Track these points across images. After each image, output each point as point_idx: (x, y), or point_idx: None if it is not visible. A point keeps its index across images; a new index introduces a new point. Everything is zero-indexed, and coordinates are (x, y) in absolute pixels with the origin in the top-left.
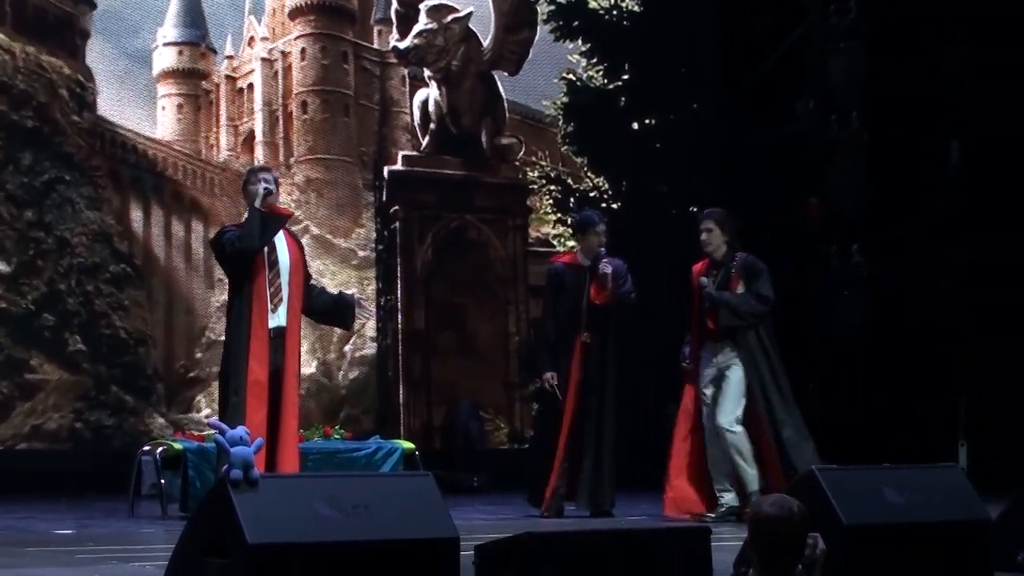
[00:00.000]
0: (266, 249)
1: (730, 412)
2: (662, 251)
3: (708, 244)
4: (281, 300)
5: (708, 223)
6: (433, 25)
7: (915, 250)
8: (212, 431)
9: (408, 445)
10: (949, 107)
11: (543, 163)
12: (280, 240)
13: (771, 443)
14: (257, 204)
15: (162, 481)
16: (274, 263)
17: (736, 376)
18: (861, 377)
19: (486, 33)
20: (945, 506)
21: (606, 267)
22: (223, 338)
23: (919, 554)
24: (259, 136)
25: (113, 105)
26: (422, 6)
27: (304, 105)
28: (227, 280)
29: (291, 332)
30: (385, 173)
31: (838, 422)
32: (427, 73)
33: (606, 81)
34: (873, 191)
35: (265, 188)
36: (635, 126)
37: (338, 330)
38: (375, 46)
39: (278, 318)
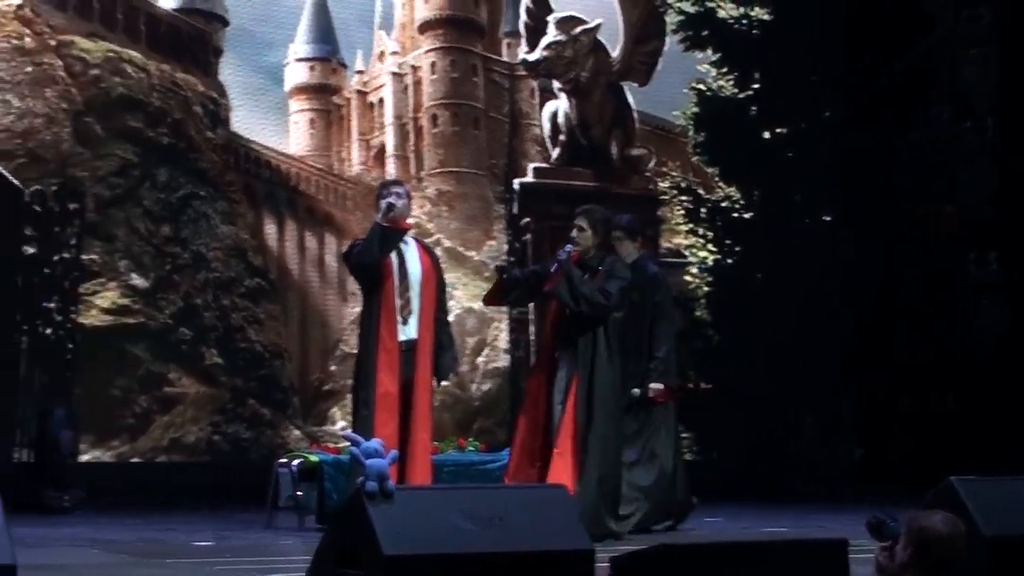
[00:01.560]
0: (396, 261)
1: None
2: (794, 260)
3: (578, 242)
4: (411, 312)
5: (581, 221)
6: (562, 37)
7: None
8: (347, 443)
9: None
10: None
11: (674, 173)
12: (412, 252)
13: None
14: (379, 218)
15: (299, 493)
16: (404, 275)
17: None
18: (1001, 385)
19: (615, 44)
20: None
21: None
22: (356, 351)
23: None
24: (390, 150)
25: (246, 121)
26: (551, 18)
27: (434, 118)
28: (360, 293)
29: (422, 344)
30: (516, 185)
31: (978, 431)
32: (556, 85)
33: (736, 90)
34: (1009, 197)
35: (387, 203)
36: (766, 135)
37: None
38: (504, 59)
39: (408, 330)
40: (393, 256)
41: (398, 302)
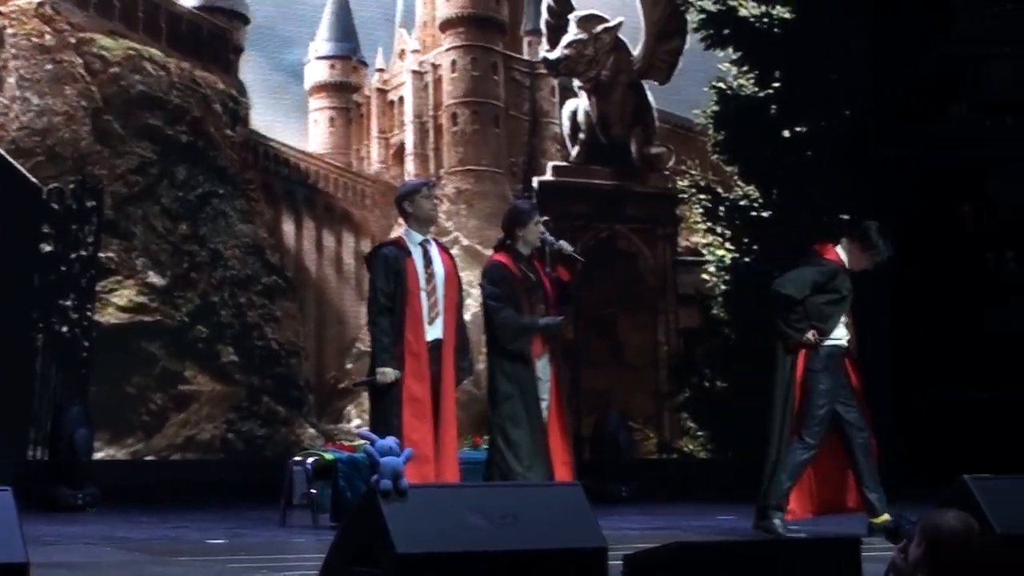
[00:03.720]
0: (422, 262)
1: None
2: None
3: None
4: (438, 313)
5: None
6: (583, 35)
7: None
8: (362, 441)
9: None
10: None
11: (693, 172)
12: (435, 253)
13: None
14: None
15: (313, 491)
16: (431, 276)
17: None
18: (1017, 386)
19: (636, 42)
20: None
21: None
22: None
23: None
24: (409, 148)
25: (266, 119)
26: (572, 17)
27: (454, 117)
28: None
29: (447, 343)
30: (535, 184)
31: (994, 430)
32: (577, 83)
33: (757, 89)
34: None
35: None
36: (786, 134)
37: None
38: (525, 57)
39: (435, 330)
40: (418, 257)
41: (426, 303)
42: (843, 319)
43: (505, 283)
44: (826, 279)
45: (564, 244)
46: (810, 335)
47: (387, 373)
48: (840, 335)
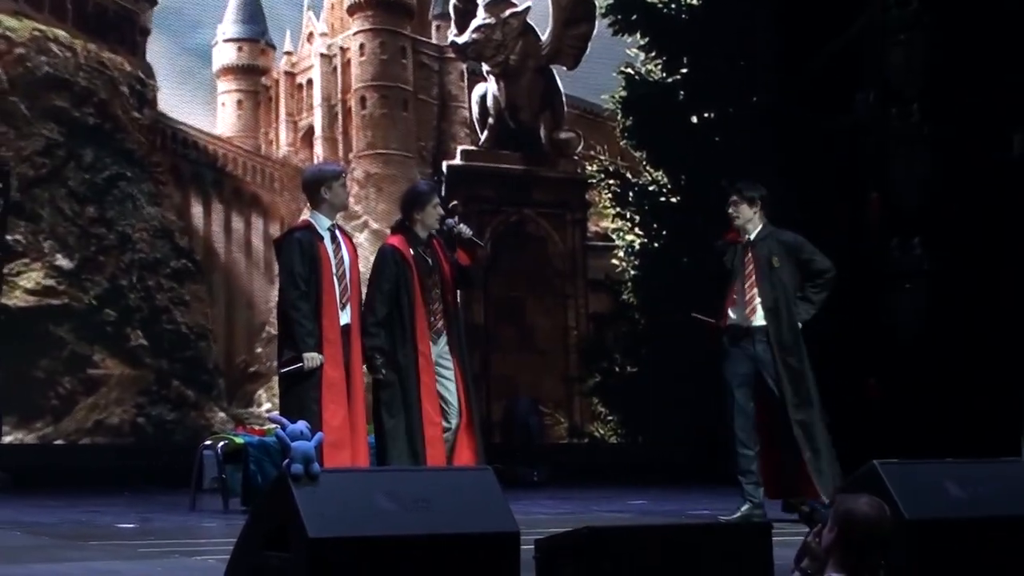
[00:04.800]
0: (331, 248)
1: None
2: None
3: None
4: (348, 298)
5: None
6: (491, 20)
7: (977, 243)
8: (273, 425)
9: None
10: (1012, 98)
11: (602, 157)
12: (340, 238)
13: None
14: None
15: (223, 475)
16: (340, 261)
17: None
18: (922, 371)
19: (544, 27)
20: (1008, 501)
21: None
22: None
23: (982, 549)
24: (318, 131)
25: (173, 101)
26: (480, 1)
27: (363, 100)
28: None
29: (354, 328)
30: (444, 168)
31: (900, 416)
32: (485, 68)
33: (664, 75)
34: (935, 183)
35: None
36: (694, 119)
37: None
38: (434, 41)
39: (346, 315)
40: (329, 243)
41: (338, 289)
42: None
43: (397, 269)
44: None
45: (464, 228)
46: None
47: (315, 358)
48: None
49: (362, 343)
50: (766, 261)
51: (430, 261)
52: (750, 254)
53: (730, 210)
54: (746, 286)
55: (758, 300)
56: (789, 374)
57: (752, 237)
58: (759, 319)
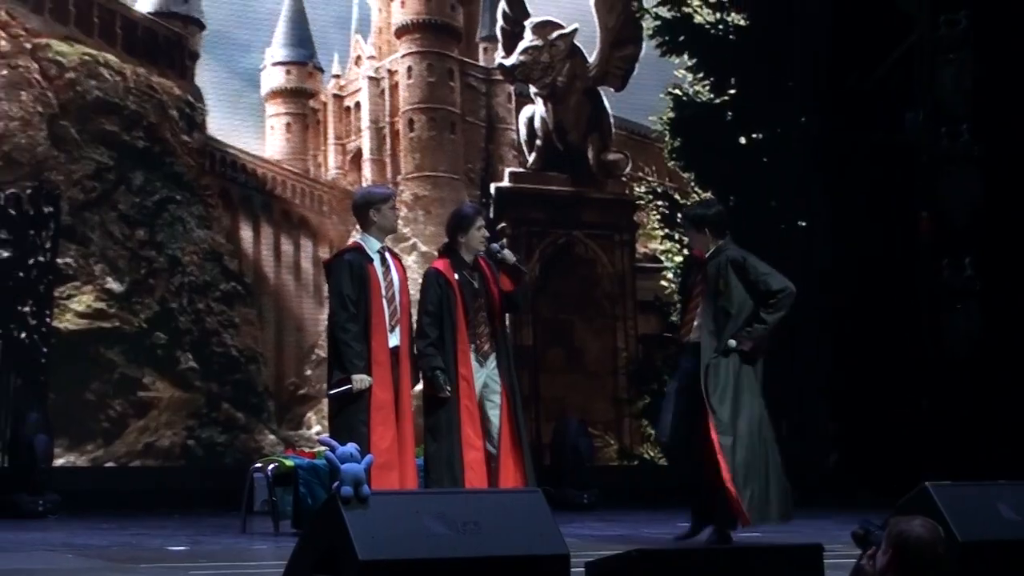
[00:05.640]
0: (381, 270)
1: None
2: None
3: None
4: (398, 321)
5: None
6: (539, 42)
7: None
8: (323, 448)
9: None
10: None
11: (650, 179)
12: (390, 261)
13: None
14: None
15: (273, 498)
16: (390, 284)
17: None
18: (974, 391)
19: (591, 49)
20: None
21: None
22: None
23: None
24: (366, 154)
25: (222, 125)
26: (528, 23)
27: (411, 123)
28: None
29: (404, 350)
30: (492, 190)
31: (952, 437)
32: (533, 90)
33: (712, 95)
34: (985, 203)
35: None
36: (742, 140)
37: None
38: (481, 63)
39: (395, 338)
40: (379, 265)
41: (387, 311)
42: None
43: (442, 292)
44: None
45: (507, 253)
46: None
47: (363, 380)
48: None
49: (421, 367)
50: (713, 281)
51: (476, 284)
52: (701, 274)
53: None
54: (690, 304)
55: (697, 319)
56: (710, 396)
57: (707, 256)
58: (695, 336)
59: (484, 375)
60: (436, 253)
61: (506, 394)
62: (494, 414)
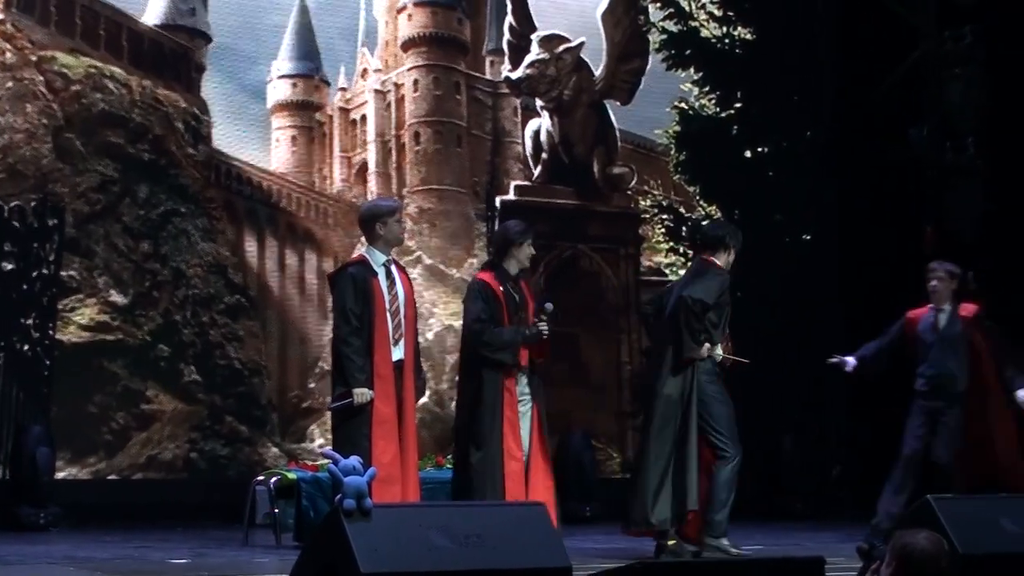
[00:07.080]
0: (385, 284)
1: None
2: (775, 280)
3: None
4: (402, 334)
5: None
6: (545, 55)
7: None
8: (326, 461)
9: None
10: None
11: (655, 192)
12: (396, 273)
13: None
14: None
15: (276, 510)
16: (395, 297)
17: None
18: None
19: (598, 63)
20: None
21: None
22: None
23: None
24: (372, 167)
25: (228, 137)
26: (534, 36)
27: (417, 136)
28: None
29: (408, 364)
30: (497, 203)
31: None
32: (539, 103)
33: (718, 109)
34: (989, 217)
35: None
36: (748, 154)
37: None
38: (487, 77)
39: (399, 351)
40: (383, 277)
41: (391, 324)
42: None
43: (487, 303)
44: (723, 291)
45: (545, 327)
46: (704, 350)
47: (365, 393)
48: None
49: (500, 351)
50: None
51: (517, 298)
52: None
53: None
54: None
55: None
56: None
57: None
58: None
59: (518, 391)
60: (441, 266)
61: (537, 408)
62: (524, 424)
